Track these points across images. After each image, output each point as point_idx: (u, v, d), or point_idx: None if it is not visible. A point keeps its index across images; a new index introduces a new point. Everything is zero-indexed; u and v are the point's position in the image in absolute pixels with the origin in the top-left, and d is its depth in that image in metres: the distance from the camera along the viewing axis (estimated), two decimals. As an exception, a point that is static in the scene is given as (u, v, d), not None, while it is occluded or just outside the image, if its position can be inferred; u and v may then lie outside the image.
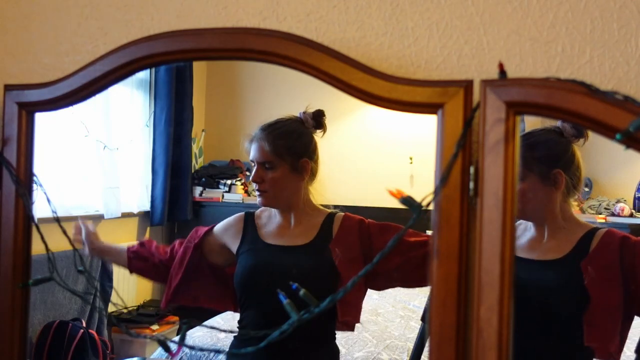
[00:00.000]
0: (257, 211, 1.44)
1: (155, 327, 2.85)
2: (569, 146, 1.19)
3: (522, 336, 0.81)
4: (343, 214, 1.37)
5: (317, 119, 1.38)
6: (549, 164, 1.18)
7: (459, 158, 0.77)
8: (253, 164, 1.35)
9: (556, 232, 1.19)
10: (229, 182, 3.67)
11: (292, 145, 1.34)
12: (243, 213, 1.44)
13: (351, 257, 1.30)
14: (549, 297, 1.16)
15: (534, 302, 1.14)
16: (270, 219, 1.41)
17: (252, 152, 1.35)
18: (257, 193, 1.34)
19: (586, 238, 1.16)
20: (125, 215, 3.08)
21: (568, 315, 1.13)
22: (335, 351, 1.38)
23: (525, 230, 1.24)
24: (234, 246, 1.39)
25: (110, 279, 2.72)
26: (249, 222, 1.42)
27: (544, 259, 1.19)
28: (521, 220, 1.24)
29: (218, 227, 1.43)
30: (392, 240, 0.77)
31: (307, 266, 1.30)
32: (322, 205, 1.41)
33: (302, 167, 1.35)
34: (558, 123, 1.19)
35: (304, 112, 1.37)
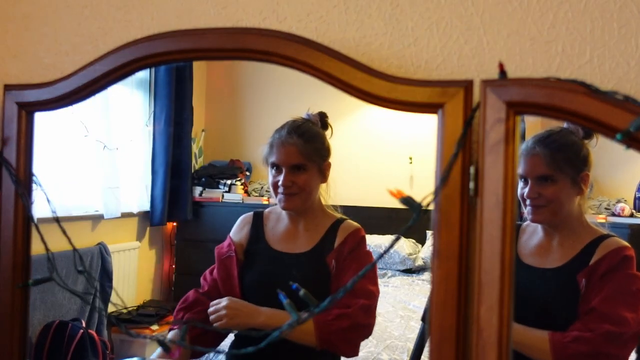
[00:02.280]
0: (266, 211, 1.44)
1: (155, 327, 2.85)
2: (587, 148, 1.16)
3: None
4: (352, 227, 1.36)
5: (322, 120, 1.39)
6: (578, 167, 1.14)
7: (459, 158, 0.77)
8: (275, 168, 1.32)
9: (567, 238, 1.16)
10: (228, 182, 3.66)
11: (320, 148, 1.35)
12: (251, 213, 1.45)
13: (342, 269, 1.30)
14: (548, 306, 1.14)
15: (534, 310, 1.12)
16: (278, 222, 1.40)
17: (279, 156, 1.32)
18: (281, 196, 1.31)
19: (590, 247, 1.13)
20: (125, 215, 3.07)
21: (565, 325, 1.10)
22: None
23: (534, 234, 1.21)
24: (245, 244, 1.40)
25: (110, 279, 2.72)
26: (257, 222, 1.42)
27: (546, 266, 1.16)
28: (528, 222, 1.21)
29: (233, 233, 1.44)
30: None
31: (306, 275, 1.30)
32: (330, 206, 1.41)
33: (325, 169, 1.36)
34: (565, 124, 1.16)
35: (311, 114, 1.38)
